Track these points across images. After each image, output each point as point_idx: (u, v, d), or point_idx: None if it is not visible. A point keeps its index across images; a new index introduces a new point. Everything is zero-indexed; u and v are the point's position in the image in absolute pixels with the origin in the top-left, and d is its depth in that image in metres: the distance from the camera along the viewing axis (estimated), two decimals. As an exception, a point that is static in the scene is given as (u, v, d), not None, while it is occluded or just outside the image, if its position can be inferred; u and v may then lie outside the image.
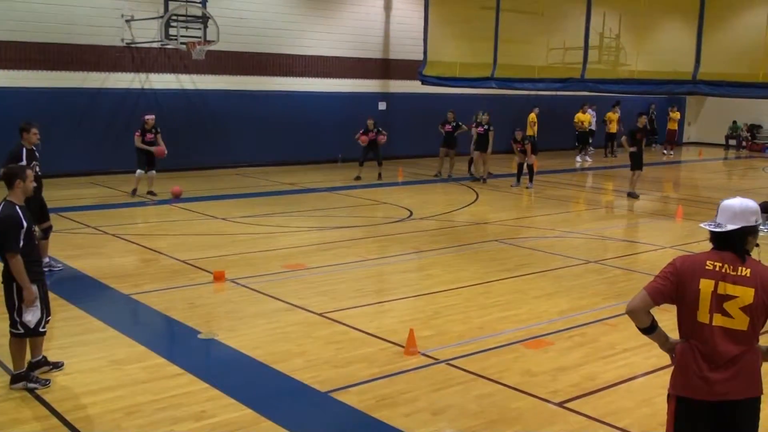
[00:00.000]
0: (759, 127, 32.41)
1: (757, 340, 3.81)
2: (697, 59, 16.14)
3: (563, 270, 10.75)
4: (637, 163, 17.43)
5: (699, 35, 16.16)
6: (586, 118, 25.83)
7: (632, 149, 17.33)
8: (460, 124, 20.15)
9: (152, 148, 15.76)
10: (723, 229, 3.80)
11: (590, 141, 26.46)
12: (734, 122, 32.63)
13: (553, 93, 22.85)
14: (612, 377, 6.72)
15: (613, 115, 27.58)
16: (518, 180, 19.30)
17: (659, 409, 6.03)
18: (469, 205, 16.40)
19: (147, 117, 16.03)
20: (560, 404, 6.11)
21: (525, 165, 19.12)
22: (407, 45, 23.82)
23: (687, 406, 3.84)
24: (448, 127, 20.30)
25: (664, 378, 6.67)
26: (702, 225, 3.92)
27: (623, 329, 8.01)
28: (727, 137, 32.88)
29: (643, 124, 18.04)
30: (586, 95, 23.93)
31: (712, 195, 18.58)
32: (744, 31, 16.54)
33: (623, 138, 18.33)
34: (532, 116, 24.28)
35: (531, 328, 8.02)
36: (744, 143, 32.26)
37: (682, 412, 3.86)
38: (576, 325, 8.16)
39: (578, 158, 25.59)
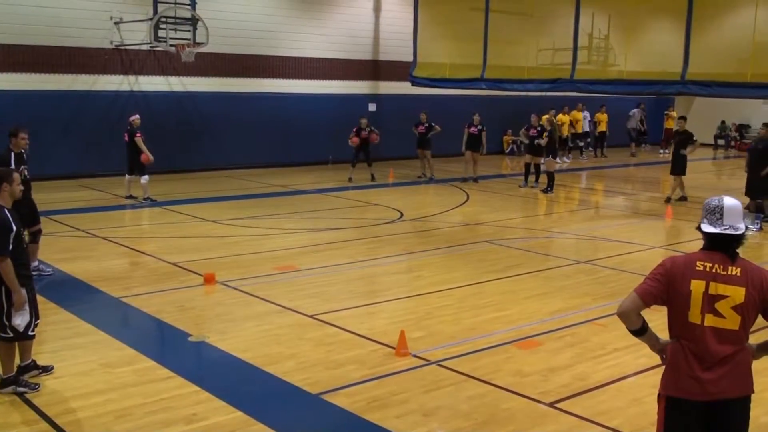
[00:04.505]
0: (747, 126, 32.57)
1: (747, 339, 3.83)
2: (686, 59, 16.21)
3: (554, 270, 10.77)
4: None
5: (687, 35, 16.23)
6: (565, 119, 25.97)
7: None
8: (433, 125, 20.10)
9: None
10: (741, 231, 3.81)
11: (568, 143, 26.49)
12: (723, 122, 32.79)
13: (542, 94, 22.88)
14: (602, 377, 6.73)
15: (602, 116, 27.69)
16: (526, 180, 19.24)
17: (650, 408, 6.05)
18: (460, 206, 16.41)
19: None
20: (551, 404, 6.12)
21: (532, 164, 19.04)
22: (397, 46, 23.83)
23: (677, 406, 3.85)
24: (421, 128, 20.27)
25: (655, 378, 6.69)
26: (715, 230, 3.82)
27: (614, 329, 8.02)
28: (716, 137, 33.03)
29: None
30: (567, 97, 24.02)
31: (702, 195, 18.59)
32: (732, 31, 16.62)
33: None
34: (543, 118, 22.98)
35: (522, 329, 8.03)
36: (732, 143, 32.41)
37: (672, 411, 3.88)
38: (567, 325, 8.18)
39: (558, 159, 25.56)
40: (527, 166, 19.36)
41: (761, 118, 21.48)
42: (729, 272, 3.75)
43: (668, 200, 16.74)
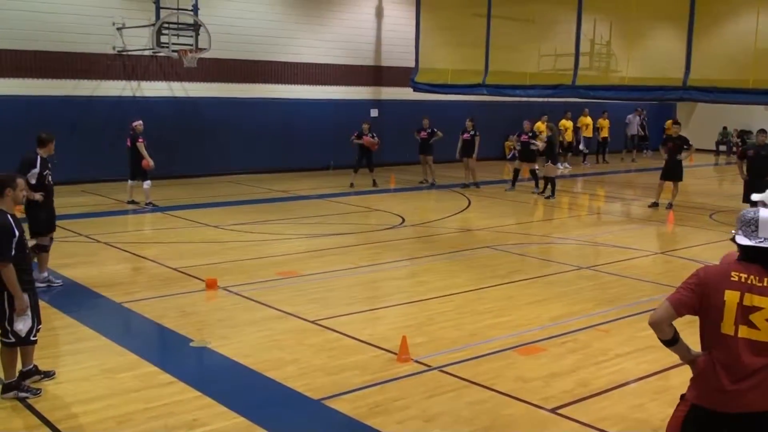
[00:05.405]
0: (749, 132, 32.53)
1: None
2: (688, 65, 16.22)
3: (556, 276, 10.76)
4: None
5: (689, 41, 16.24)
6: (569, 125, 26.03)
7: None
8: (435, 130, 20.16)
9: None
10: None
11: (570, 149, 26.57)
12: (724, 128, 32.78)
13: (545, 100, 22.90)
14: (604, 383, 6.72)
15: (604, 122, 27.72)
16: (513, 185, 19.45)
17: (652, 414, 6.06)
18: (461, 211, 16.42)
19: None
20: (553, 410, 6.11)
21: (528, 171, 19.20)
22: (399, 52, 23.86)
23: (700, 415, 3.80)
24: (423, 134, 20.31)
25: (657, 384, 6.73)
26: (750, 243, 3.76)
27: (616, 335, 8.04)
28: (718, 143, 33.04)
29: None
30: (569, 102, 24.06)
31: (704, 201, 18.65)
32: (733, 37, 16.62)
33: None
34: (541, 125, 21.86)
35: (523, 335, 8.02)
36: (734, 149, 32.38)
37: (693, 418, 3.82)
38: (568, 331, 8.16)
39: (559, 165, 25.59)
40: (516, 171, 19.68)
41: (762, 124, 21.62)
42: (765, 284, 3.69)
43: (670, 206, 16.71)
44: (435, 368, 6.98)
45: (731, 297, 3.70)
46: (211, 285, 9.59)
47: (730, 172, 27.50)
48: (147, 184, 15.60)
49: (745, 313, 3.69)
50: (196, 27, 18.83)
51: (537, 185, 19.09)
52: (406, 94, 23.10)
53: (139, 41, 19.23)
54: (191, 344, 7.59)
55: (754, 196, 5.86)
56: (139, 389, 6.40)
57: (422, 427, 5.80)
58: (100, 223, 14.02)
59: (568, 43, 18.57)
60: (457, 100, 24.05)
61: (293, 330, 8.07)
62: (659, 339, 3.93)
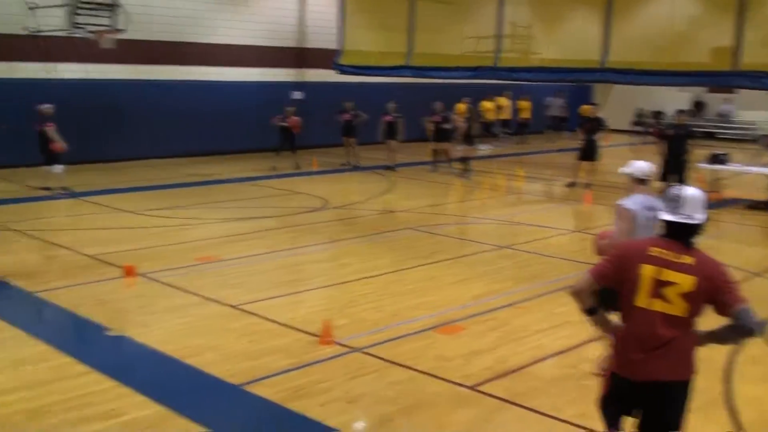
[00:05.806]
0: (662, 113, 33.54)
1: (693, 326, 3.92)
2: (606, 48, 16.59)
3: (476, 256, 10.91)
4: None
5: (607, 25, 16.62)
6: (490, 106, 26.44)
7: None
8: (359, 113, 20.18)
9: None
10: (697, 221, 3.88)
11: (490, 130, 27.02)
12: (640, 109, 33.70)
13: (467, 81, 23.06)
14: (523, 359, 6.86)
15: (525, 104, 28.16)
16: (435, 165, 19.68)
17: (568, 388, 6.22)
18: (384, 193, 16.45)
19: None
20: (473, 387, 6.21)
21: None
22: (323, 34, 23.63)
23: (618, 384, 3.99)
24: (346, 116, 20.32)
25: (573, 358, 6.91)
26: (671, 218, 3.90)
27: (536, 312, 8.21)
28: (634, 123, 33.96)
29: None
30: (493, 84, 24.37)
31: (619, 180, 19.08)
32: (650, 20, 17.02)
33: None
34: (462, 107, 22.52)
35: (444, 314, 8.11)
36: (650, 129, 33.33)
37: (614, 385, 4.03)
38: (488, 309, 8.30)
39: (481, 146, 25.90)
40: (435, 152, 19.97)
41: (676, 105, 22.46)
42: (681, 260, 3.83)
43: (587, 185, 17.08)
44: (357, 350, 7.00)
45: (647, 271, 3.86)
46: (129, 272, 9.38)
47: (645, 151, 28.21)
48: (59, 168, 15.10)
49: (658, 287, 3.84)
50: (113, 7, 18.24)
51: (451, 165, 19.36)
52: (330, 76, 22.93)
53: (53, 21, 18.51)
54: (108, 333, 7.42)
55: (622, 169, 6.23)
56: (54, 381, 6.22)
57: (345, 408, 5.81)
58: (10, 210, 13.52)
59: (490, 26, 18.75)
60: (382, 83, 23.99)
61: (214, 316, 7.98)
62: (580, 309, 4.08)
